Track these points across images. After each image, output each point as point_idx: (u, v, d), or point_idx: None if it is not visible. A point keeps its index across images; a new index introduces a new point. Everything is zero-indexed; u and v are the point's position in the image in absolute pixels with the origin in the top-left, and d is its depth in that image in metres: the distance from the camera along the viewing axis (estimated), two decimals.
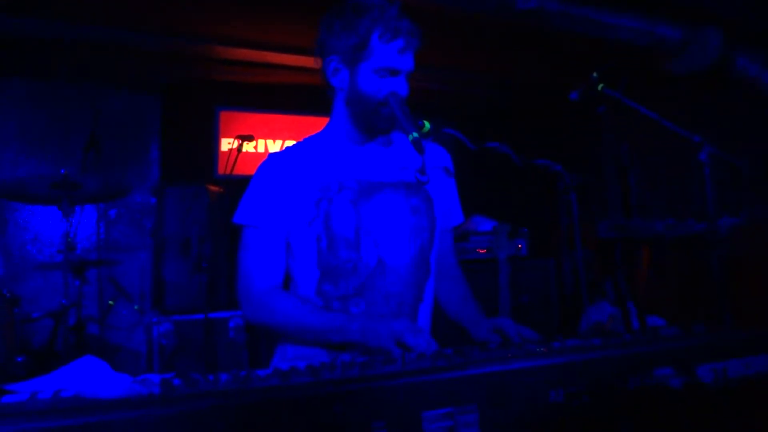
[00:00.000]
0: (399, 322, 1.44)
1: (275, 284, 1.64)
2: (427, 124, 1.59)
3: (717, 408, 1.29)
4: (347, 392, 0.94)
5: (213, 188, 4.06)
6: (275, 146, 5.11)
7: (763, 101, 4.07)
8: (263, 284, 1.62)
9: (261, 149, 5.05)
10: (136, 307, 3.80)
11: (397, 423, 0.94)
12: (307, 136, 1.78)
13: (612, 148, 4.73)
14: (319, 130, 1.79)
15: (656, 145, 4.14)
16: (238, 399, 0.88)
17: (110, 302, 3.73)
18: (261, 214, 1.64)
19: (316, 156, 1.70)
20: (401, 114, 1.54)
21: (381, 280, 1.64)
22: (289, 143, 1.81)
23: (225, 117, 5.07)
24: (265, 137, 5.12)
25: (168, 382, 0.94)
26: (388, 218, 1.67)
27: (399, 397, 0.96)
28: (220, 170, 4.87)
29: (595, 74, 2.32)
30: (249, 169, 1.74)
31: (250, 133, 4.12)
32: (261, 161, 1.73)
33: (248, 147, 4.63)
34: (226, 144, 4.97)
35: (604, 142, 4.83)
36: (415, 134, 1.50)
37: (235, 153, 3.95)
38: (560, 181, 2.10)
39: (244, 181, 1.73)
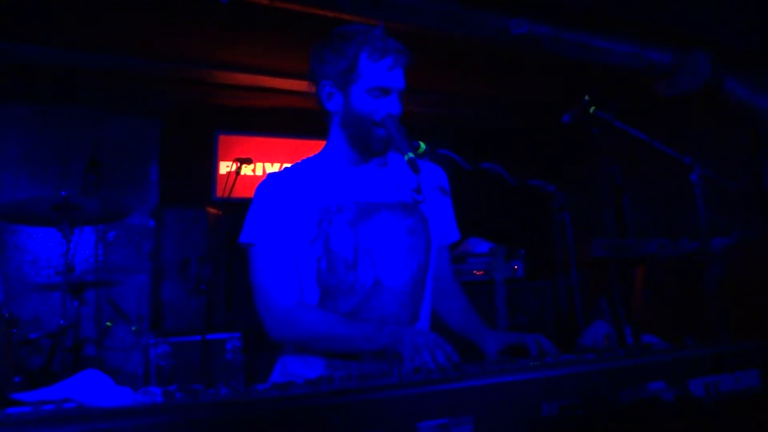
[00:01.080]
0: (429, 335, 1.45)
1: (297, 299, 1.64)
2: (422, 145, 1.63)
3: (708, 421, 1.31)
4: (345, 403, 0.96)
5: (212, 211, 4.10)
6: (273, 169, 5.15)
7: (752, 123, 4.14)
8: (286, 300, 1.62)
9: (259, 172, 5.09)
10: (133, 329, 3.81)
11: None
12: (303, 158, 1.82)
13: (605, 169, 4.78)
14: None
15: (649, 166, 4.19)
16: (238, 409, 0.90)
17: (108, 323, 3.74)
18: (269, 231, 1.65)
19: (314, 177, 1.73)
20: (397, 134, 1.58)
21: (377, 299, 1.66)
22: (288, 167, 1.83)
23: (224, 141, 5.13)
24: (264, 160, 5.17)
25: (170, 392, 0.96)
26: (385, 239, 1.69)
27: (395, 409, 0.98)
28: (219, 193, 4.91)
29: (586, 97, 2.37)
30: (247, 192, 1.76)
31: (249, 157, 4.18)
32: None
33: (247, 170, 4.69)
34: (225, 167, 5.01)
35: (597, 164, 4.89)
36: (411, 154, 1.54)
37: (234, 176, 4.00)
38: (554, 201, 2.13)
39: (242, 204, 1.74)
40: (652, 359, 1.32)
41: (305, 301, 1.67)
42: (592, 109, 2.35)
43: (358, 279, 1.65)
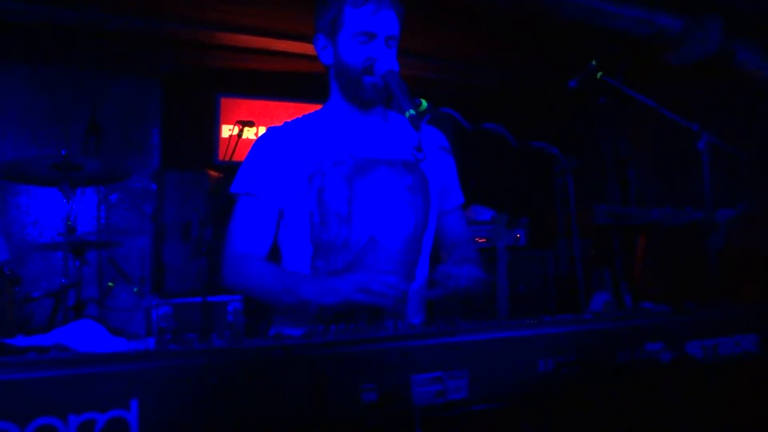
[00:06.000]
0: (360, 275, 1.45)
1: (254, 251, 1.64)
2: (424, 102, 1.60)
3: (705, 383, 1.31)
4: (338, 354, 0.95)
5: (213, 174, 4.07)
6: None
7: (763, 93, 4.07)
8: (242, 249, 1.64)
9: None
10: (135, 290, 3.82)
11: (386, 385, 0.95)
12: (305, 114, 1.80)
13: (611, 139, 4.74)
14: None
15: (656, 136, 4.15)
16: (231, 356, 0.90)
17: (110, 284, 3.76)
18: (254, 183, 1.66)
19: (313, 131, 1.72)
20: (398, 91, 1.54)
21: (372, 257, 1.64)
22: (288, 121, 1.82)
23: (226, 103, 5.08)
24: (266, 124, 5.13)
25: (163, 341, 0.96)
26: (382, 195, 1.67)
27: (388, 361, 0.98)
28: (221, 156, 4.88)
29: (593, 62, 2.32)
30: None
31: (251, 119, 4.14)
32: None
33: (249, 133, 4.63)
34: (227, 130, 4.97)
35: (603, 134, 4.83)
36: (412, 111, 1.50)
37: (236, 139, 3.96)
38: (557, 164, 2.11)
39: None
40: (649, 321, 1.31)
41: (297, 256, 1.67)
42: (599, 74, 2.31)
43: (352, 234, 1.63)
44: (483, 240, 4.35)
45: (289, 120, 1.77)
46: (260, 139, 1.72)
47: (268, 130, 1.74)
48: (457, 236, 1.90)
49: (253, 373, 0.89)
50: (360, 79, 1.63)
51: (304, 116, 1.78)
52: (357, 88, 1.66)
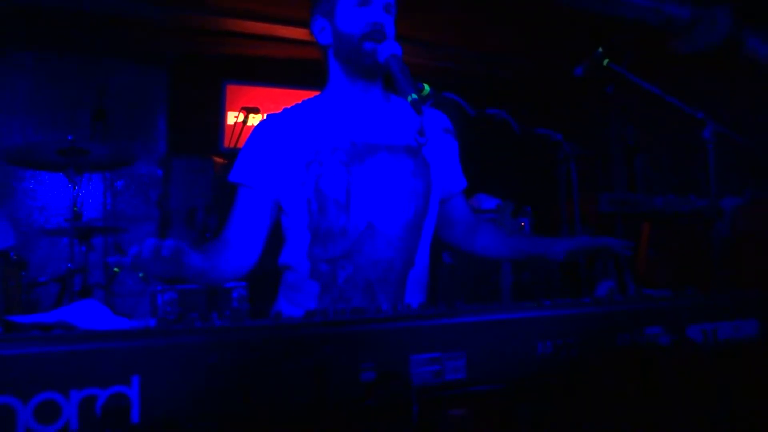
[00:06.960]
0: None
1: (237, 238, 1.63)
2: (426, 87, 1.60)
3: (704, 366, 1.31)
4: (338, 334, 0.96)
5: (218, 160, 4.09)
6: None
7: None
8: (226, 234, 1.65)
9: None
10: (140, 275, 3.85)
11: (385, 365, 0.96)
12: (304, 99, 1.80)
13: (618, 128, 4.71)
14: None
15: (662, 124, 4.12)
16: (231, 335, 0.91)
17: (115, 269, 3.78)
18: (249, 174, 1.67)
19: (311, 117, 1.71)
20: (401, 75, 1.54)
21: (370, 244, 1.64)
22: (287, 108, 1.82)
23: (231, 90, 5.07)
24: (271, 111, 5.11)
25: (164, 320, 0.97)
26: (382, 181, 1.66)
27: (387, 341, 0.99)
28: (226, 143, 4.89)
29: (600, 50, 2.31)
30: None
31: (256, 106, 4.14)
32: None
33: (254, 120, 4.64)
34: (232, 117, 4.98)
35: (610, 122, 4.81)
36: (414, 95, 1.50)
37: (241, 126, 3.97)
38: (560, 151, 2.11)
39: None
40: (649, 305, 1.31)
41: (295, 244, 1.68)
42: (605, 62, 2.29)
43: (350, 222, 1.63)
44: None
45: (289, 107, 1.78)
46: (258, 127, 1.73)
47: (267, 117, 1.74)
48: (473, 217, 1.94)
49: (253, 352, 0.90)
50: (360, 46, 1.63)
51: (303, 102, 1.77)
52: (358, 56, 1.65)
